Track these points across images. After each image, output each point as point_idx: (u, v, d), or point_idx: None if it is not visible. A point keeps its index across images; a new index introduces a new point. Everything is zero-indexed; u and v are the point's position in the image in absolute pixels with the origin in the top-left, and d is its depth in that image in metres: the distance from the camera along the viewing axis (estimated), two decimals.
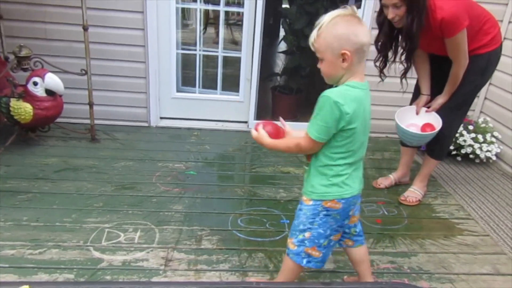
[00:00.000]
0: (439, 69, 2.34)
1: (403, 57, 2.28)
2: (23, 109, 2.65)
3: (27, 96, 2.68)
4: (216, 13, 3.40)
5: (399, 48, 2.26)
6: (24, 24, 3.02)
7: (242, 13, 3.26)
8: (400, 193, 2.63)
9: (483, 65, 2.26)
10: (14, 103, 2.66)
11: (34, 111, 2.67)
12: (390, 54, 2.30)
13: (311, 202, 1.51)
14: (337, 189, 1.48)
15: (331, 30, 1.33)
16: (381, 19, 2.20)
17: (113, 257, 1.90)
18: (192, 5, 3.70)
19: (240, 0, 3.83)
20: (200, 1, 3.32)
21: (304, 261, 1.56)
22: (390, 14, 2.09)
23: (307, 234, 1.53)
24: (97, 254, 1.91)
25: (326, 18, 1.35)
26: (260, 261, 1.95)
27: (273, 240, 2.11)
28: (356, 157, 1.47)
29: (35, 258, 1.86)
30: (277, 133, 1.51)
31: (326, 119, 1.35)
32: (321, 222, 1.51)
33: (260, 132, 1.49)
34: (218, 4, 3.32)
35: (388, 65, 2.32)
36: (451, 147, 3.04)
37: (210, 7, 3.61)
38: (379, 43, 2.28)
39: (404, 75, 2.33)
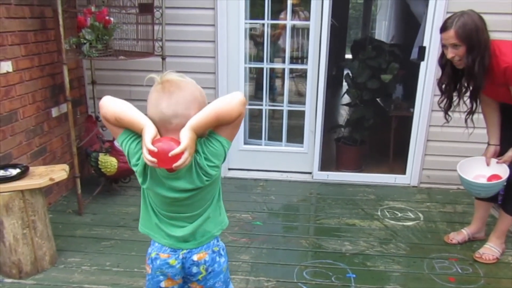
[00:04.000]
0: (509, 118, 2.27)
1: (466, 97, 2.24)
2: (109, 163, 2.97)
3: (113, 151, 3.00)
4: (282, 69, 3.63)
5: (463, 89, 2.24)
6: (112, 87, 3.44)
7: (306, 68, 3.44)
8: (475, 249, 2.50)
9: None
10: (102, 157, 2.99)
11: (118, 164, 2.97)
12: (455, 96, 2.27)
13: None
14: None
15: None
16: (443, 61, 2.22)
17: None
18: (259, 65, 3.98)
19: (304, 55, 4.05)
20: (267, 61, 3.56)
21: None
22: (450, 53, 2.09)
23: None
24: None
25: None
26: None
27: None
28: (162, 211, 1.36)
29: None
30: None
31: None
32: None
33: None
34: (284, 62, 3.53)
35: (453, 106, 2.30)
36: None
37: (276, 66, 3.85)
38: (443, 85, 2.28)
39: (469, 115, 2.27)
